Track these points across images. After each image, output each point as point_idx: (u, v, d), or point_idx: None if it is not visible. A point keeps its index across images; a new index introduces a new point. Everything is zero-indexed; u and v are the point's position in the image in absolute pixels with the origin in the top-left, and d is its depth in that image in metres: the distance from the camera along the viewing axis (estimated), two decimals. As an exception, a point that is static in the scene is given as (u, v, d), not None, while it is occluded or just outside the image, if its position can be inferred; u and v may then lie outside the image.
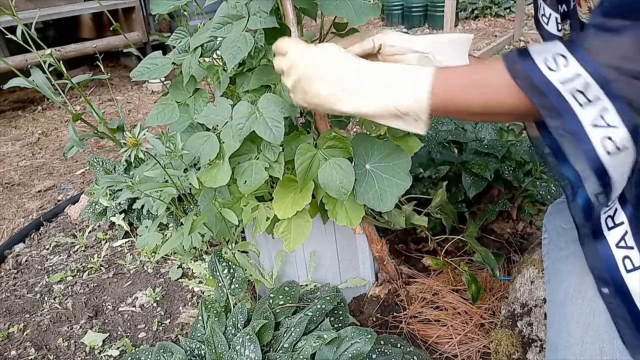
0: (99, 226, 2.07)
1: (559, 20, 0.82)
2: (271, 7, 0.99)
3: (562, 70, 0.57)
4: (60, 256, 1.94)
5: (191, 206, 1.35)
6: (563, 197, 0.93)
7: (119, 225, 1.94)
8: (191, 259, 1.77)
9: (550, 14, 0.83)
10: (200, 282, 1.63)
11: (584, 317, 0.75)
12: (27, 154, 3.04)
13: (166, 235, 1.79)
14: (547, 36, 0.85)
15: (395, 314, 1.42)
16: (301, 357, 1.01)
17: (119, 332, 1.53)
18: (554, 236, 0.89)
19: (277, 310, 1.19)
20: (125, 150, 1.02)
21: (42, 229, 2.14)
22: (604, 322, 0.73)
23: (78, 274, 1.82)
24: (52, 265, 1.89)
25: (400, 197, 1.13)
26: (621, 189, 0.63)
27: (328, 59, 0.75)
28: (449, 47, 0.83)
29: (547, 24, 0.84)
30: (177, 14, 1.26)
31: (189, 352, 1.13)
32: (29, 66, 1.10)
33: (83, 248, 1.96)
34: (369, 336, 1.08)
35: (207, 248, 1.80)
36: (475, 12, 5.37)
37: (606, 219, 0.70)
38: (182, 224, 1.25)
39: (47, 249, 1.99)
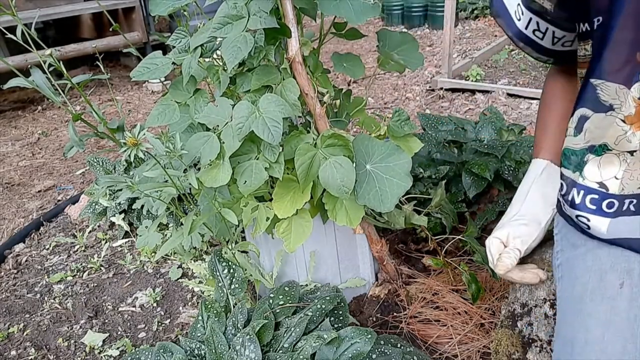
0: (99, 226, 2.07)
1: (556, 35, 0.84)
2: (271, 7, 0.99)
3: None
4: (60, 256, 1.94)
5: (191, 206, 1.35)
6: None
7: (119, 225, 1.94)
8: (191, 259, 1.77)
9: (547, 29, 0.84)
10: (200, 282, 1.63)
11: (604, 314, 0.74)
12: (27, 154, 3.04)
13: (166, 235, 1.79)
14: (538, 49, 0.88)
15: (395, 314, 1.42)
16: (301, 357, 1.01)
17: (119, 332, 1.53)
18: (568, 233, 0.87)
19: (277, 310, 1.19)
20: (125, 150, 1.02)
21: (42, 229, 2.14)
22: (626, 321, 0.72)
23: (78, 274, 1.82)
24: (52, 265, 1.89)
25: (400, 197, 1.13)
26: None
27: None
28: None
29: (541, 39, 0.86)
30: (177, 14, 1.26)
31: (189, 352, 1.13)
32: (29, 66, 1.10)
33: (83, 248, 1.96)
34: (369, 336, 1.07)
35: (207, 248, 1.80)
36: (475, 12, 5.37)
37: None
38: (182, 224, 1.25)
39: (47, 249, 1.99)
